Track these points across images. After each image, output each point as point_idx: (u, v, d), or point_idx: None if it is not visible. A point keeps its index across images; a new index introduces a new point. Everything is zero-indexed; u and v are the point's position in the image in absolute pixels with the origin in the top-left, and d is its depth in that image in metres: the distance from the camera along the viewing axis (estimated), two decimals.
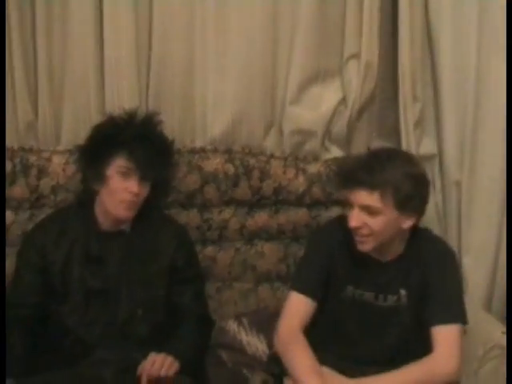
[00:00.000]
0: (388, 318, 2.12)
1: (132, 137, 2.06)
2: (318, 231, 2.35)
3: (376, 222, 2.00)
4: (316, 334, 2.09)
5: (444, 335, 2.02)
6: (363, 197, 1.98)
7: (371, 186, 1.96)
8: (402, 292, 2.11)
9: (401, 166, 1.99)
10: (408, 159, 2.07)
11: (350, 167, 2.02)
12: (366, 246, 2.05)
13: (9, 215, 2.38)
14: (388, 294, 2.12)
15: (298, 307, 2.11)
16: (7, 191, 2.35)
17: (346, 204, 2.06)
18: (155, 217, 2.23)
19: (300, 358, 2.01)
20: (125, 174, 2.07)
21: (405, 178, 1.97)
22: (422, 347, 2.05)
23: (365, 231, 2.02)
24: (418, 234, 2.13)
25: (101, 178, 2.10)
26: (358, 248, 2.07)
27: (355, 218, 2.00)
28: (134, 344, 2.12)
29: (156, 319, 2.17)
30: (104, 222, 2.17)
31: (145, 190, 2.12)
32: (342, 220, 2.10)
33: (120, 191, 2.08)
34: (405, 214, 2.02)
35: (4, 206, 2.17)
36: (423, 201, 2.06)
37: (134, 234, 2.18)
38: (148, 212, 2.19)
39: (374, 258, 2.12)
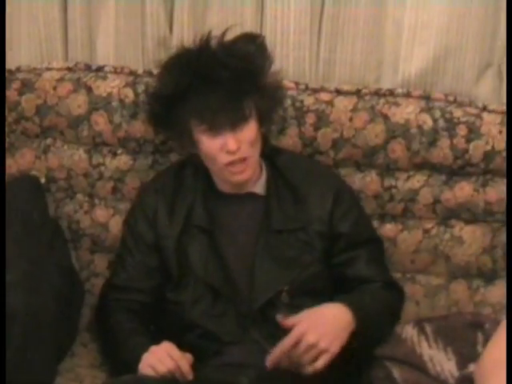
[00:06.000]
0: None
1: (199, 81, 1.79)
2: None
3: None
4: None
5: None
6: None
7: None
8: None
9: None
10: None
11: None
12: None
13: (126, 160, 2.18)
14: None
15: None
16: (129, 131, 2.13)
17: None
18: (290, 160, 1.98)
19: None
20: (210, 131, 1.80)
21: None
22: None
23: None
24: None
25: (186, 143, 1.87)
26: None
27: None
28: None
29: (309, 305, 1.84)
30: (223, 185, 1.92)
31: (250, 134, 1.81)
32: None
33: (216, 154, 1.82)
34: None
35: (4, 204, 1.90)
36: None
37: (271, 194, 1.93)
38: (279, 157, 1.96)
39: None
